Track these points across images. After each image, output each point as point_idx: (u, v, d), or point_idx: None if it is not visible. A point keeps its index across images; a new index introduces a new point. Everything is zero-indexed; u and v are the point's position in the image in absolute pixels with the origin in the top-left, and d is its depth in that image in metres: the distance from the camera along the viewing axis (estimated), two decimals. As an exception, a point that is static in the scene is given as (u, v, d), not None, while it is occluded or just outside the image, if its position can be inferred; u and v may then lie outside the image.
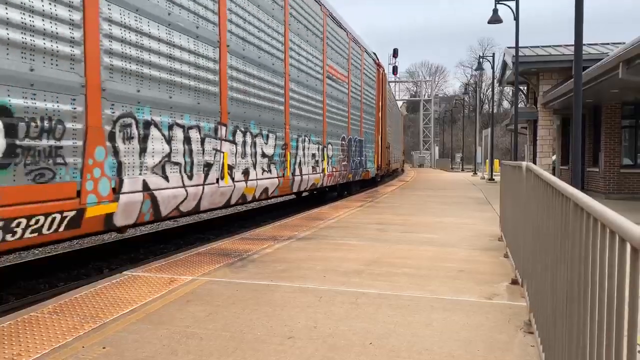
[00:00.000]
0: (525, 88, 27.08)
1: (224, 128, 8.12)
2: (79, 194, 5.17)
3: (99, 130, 5.44)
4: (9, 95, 4.41)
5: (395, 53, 59.18)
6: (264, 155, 9.75)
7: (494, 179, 27.29)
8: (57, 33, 4.92)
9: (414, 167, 64.81)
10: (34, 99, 4.67)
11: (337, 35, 15.44)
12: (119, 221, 5.78)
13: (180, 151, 6.93)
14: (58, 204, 4.90)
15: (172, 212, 6.81)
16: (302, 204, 16.08)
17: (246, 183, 8.93)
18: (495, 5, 20.26)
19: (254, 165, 9.28)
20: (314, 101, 13.10)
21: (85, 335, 3.54)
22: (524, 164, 4.66)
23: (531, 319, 3.69)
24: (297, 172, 11.74)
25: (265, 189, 9.91)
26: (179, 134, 6.89)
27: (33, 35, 4.67)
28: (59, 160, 4.94)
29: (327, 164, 14.34)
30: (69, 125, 5.05)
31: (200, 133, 7.42)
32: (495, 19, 20.48)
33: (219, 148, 7.95)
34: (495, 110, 45.22)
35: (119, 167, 5.77)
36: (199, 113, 7.40)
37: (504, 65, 26.04)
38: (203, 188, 7.48)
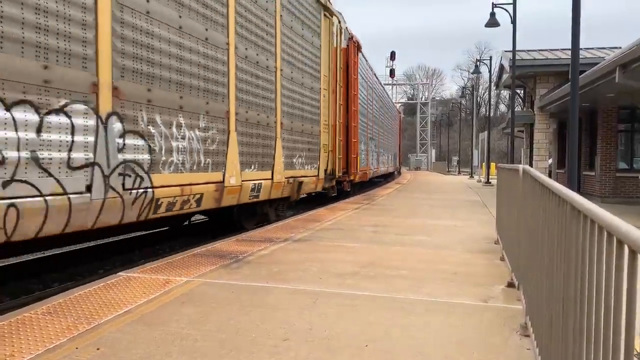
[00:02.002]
0: (522, 91, 27.17)
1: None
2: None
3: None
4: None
5: (392, 56, 59.25)
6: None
7: (490, 182, 27.34)
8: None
9: (410, 169, 64.88)
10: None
11: None
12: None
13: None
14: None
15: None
16: (300, 206, 15.79)
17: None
18: (493, 9, 20.31)
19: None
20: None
21: (79, 336, 3.52)
22: (520, 166, 4.66)
23: (527, 321, 3.68)
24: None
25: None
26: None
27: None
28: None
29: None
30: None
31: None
32: (492, 23, 20.52)
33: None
34: (492, 114, 45.36)
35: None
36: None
37: (501, 68, 26.12)
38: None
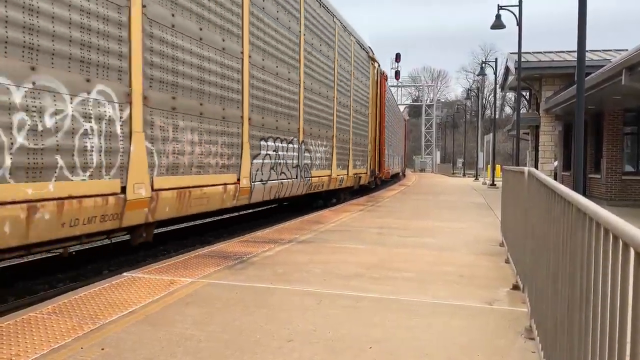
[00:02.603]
0: (528, 94, 27.08)
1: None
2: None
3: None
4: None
5: (397, 57, 58.92)
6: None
7: (495, 185, 27.25)
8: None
9: (415, 171, 64.80)
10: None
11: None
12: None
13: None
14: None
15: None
16: (301, 208, 16.03)
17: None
18: (498, 11, 20.28)
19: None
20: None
21: (84, 336, 3.53)
22: (526, 169, 4.65)
23: (532, 324, 3.67)
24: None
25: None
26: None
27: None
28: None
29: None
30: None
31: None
32: (498, 25, 20.49)
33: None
34: (497, 116, 45.25)
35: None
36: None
37: (507, 70, 26.05)
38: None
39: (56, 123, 4.99)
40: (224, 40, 8.29)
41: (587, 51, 9.04)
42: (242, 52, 8.92)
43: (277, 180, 10.65)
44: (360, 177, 18.70)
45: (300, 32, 12.07)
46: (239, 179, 8.81)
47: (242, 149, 8.97)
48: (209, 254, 6.64)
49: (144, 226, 6.64)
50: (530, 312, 3.90)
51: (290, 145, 11.50)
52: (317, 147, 13.55)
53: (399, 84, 69.08)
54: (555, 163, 22.28)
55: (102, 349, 3.31)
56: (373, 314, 4.19)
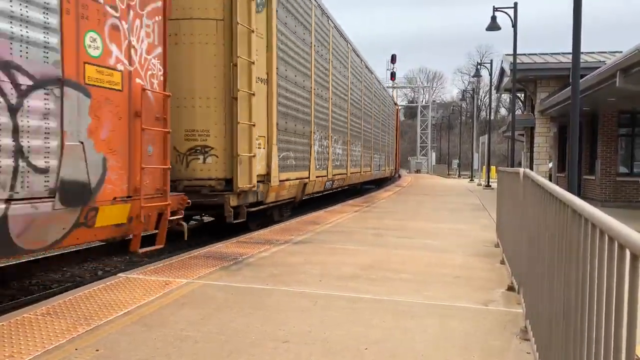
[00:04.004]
0: (523, 95, 27.16)
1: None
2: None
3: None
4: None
5: (393, 59, 59.30)
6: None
7: (490, 186, 27.32)
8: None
9: (410, 172, 64.87)
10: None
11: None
12: None
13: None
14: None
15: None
16: (299, 209, 15.88)
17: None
18: (494, 13, 20.32)
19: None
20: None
21: (78, 338, 3.51)
22: (521, 170, 4.66)
23: (527, 325, 3.68)
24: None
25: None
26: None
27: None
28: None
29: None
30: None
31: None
32: (493, 27, 20.52)
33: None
34: (492, 117, 45.36)
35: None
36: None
37: (502, 72, 26.13)
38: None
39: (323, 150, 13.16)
40: (303, 81, 12.30)
41: (582, 53, 9.09)
42: (311, 89, 12.97)
43: (335, 173, 15.92)
44: (388, 173, 32.42)
45: (361, 90, 19.87)
46: (309, 175, 12.85)
47: (310, 154, 12.99)
48: (205, 254, 6.62)
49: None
50: (525, 313, 3.91)
51: (340, 149, 16.79)
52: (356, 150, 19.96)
53: (395, 85, 69.11)
54: (550, 164, 22.36)
55: (97, 350, 3.29)
56: (369, 315, 4.19)
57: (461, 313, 4.30)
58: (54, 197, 4.69)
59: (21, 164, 4.39)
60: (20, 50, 4.36)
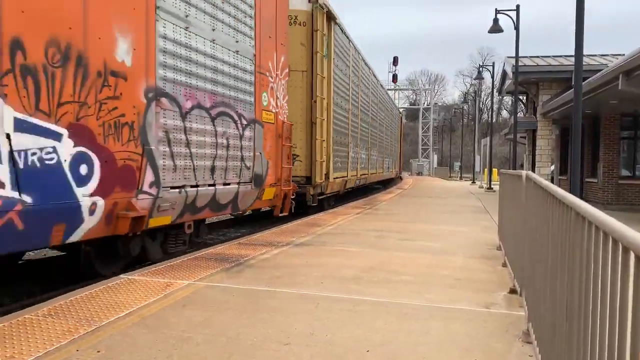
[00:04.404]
0: (525, 98, 27.15)
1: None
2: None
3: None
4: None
5: (395, 61, 59.38)
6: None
7: (492, 188, 27.29)
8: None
9: (412, 174, 64.85)
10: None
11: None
12: None
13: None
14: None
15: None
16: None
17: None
18: (496, 15, 20.33)
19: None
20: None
21: (79, 339, 3.51)
22: (524, 172, 4.65)
23: (530, 328, 3.66)
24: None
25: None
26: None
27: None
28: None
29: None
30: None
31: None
32: (495, 29, 20.53)
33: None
34: (494, 120, 45.36)
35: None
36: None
37: (504, 74, 26.12)
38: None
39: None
40: (345, 104, 16.04)
41: (584, 56, 9.07)
42: (348, 110, 16.81)
43: (363, 173, 19.77)
44: (396, 174, 35.97)
45: (376, 104, 24.43)
46: (347, 174, 16.55)
47: (347, 159, 16.72)
48: (206, 256, 6.62)
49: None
50: (527, 315, 3.90)
51: (363, 155, 20.14)
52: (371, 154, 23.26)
53: (397, 87, 69.13)
54: (552, 167, 22.33)
55: (98, 352, 3.29)
56: (371, 317, 4.18)
57: (463, 315, 4.29)
58: (251, 182, 8.67)
59: (242, 164, 8.33)
60: (242, 107, 8.35)
